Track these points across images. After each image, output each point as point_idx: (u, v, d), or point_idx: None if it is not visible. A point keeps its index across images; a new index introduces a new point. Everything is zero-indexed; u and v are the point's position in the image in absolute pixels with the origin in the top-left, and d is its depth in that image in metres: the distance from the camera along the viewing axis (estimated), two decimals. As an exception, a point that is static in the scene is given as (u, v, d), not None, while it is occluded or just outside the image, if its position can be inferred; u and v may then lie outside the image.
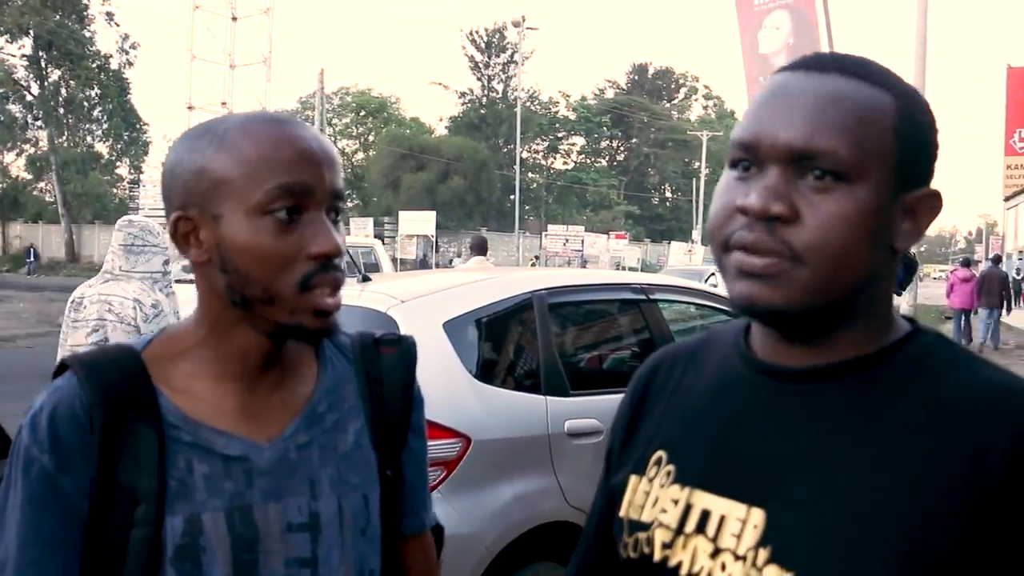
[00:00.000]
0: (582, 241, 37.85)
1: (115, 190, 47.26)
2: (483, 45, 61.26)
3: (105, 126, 41.61)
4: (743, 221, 0.88)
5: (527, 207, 55.88)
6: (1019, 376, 0.89)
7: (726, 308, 4.79)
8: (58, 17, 37.30)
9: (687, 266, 26.32)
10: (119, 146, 43.18)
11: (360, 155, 58.81)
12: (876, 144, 0.86)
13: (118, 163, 44.69)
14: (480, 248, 8.89)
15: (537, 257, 38.55)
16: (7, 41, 37.02)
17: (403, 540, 1.25)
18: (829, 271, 0.86)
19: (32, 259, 37.14)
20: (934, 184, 0.93)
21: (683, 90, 74.05)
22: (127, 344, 1.15)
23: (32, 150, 39.11)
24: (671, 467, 0.98)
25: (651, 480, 1.00)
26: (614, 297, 4.39)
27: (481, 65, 61.90)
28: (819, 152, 0.85)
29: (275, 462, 1.11)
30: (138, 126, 44.04)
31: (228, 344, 1.11)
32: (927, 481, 0.82)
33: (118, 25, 56.70)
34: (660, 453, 1.01)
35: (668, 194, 72.42)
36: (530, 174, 61.85)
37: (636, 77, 71.38)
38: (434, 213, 31.84)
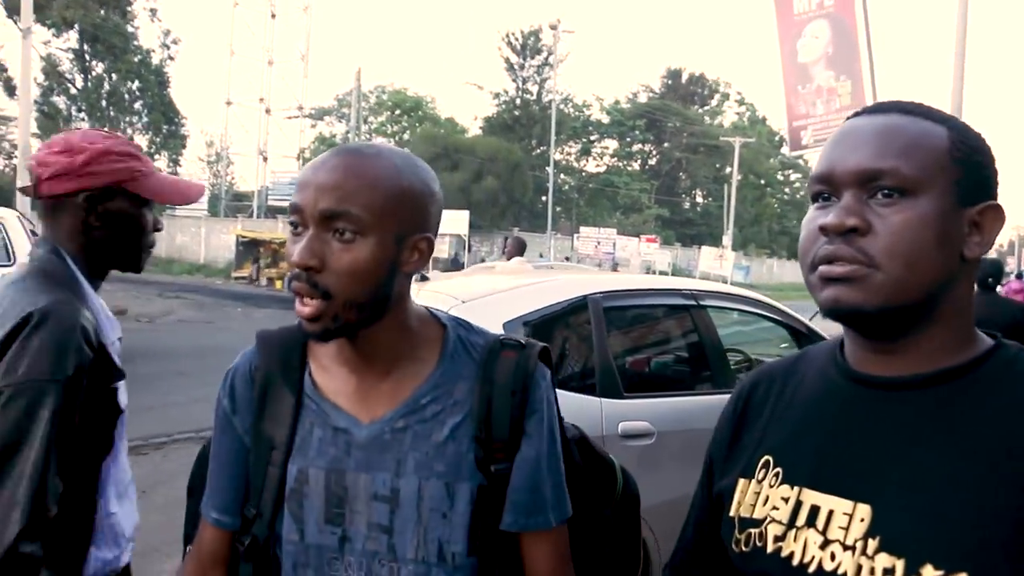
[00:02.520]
0: (613, 244, 37.85)
1: (152, 182, 47.68)
2: (519, 47, 61.24)
3: (145, 119, 42.12)
4: (824, 240, 1.04)
5: (559, 209, 55.86)
6: None
7: (772, 316, 4.89)
8: (103, 12, 37.79)
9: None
10: (158, 139, 43.67)
11: (395, 153, 58.89)
12: (933, 163, 1.01)
13: (157, 155, 45.18)
14: (520, 249, 9.22)
15: (567, 258, 38.59)
16: (53, 35, 37.56)
17: (515, 535, 1.33)
18: (902, 273, 1.00)
19: None
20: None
21: (716, 96, 73.64)
22: None
23: (74, 141, 39.59)
24: (779, 469, 1.11)
25: (760, 482, 1.13)
26: (666, 302, 4.50)
27: (516, 67, 61.87)
28: (884, 171, 1.01)
29: (370, 439, 1.31)
30: (177, 120, 44.56)
31: None
32: (1015, 471, 0.94)
33: (160, 21, 57.38)
34: (767, 457, 1.14)
35: (699, 199, 72.03)
36: (562, 176, 61.77)
37: (670, 82, 71.09)
38: (467, 212, 31.85)
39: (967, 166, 1.03)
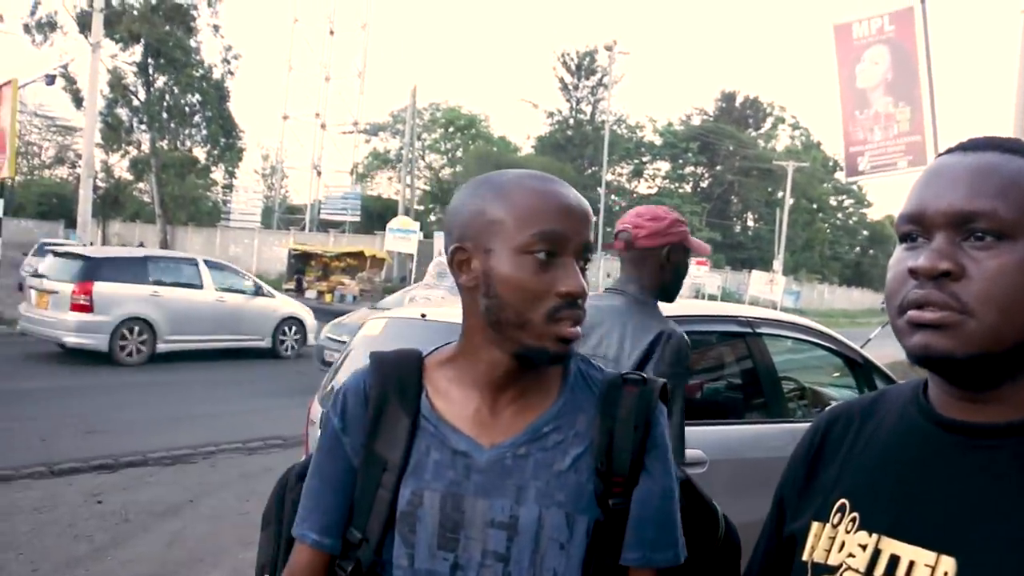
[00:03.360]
0: (663, 266, 37.57)
1: (209, 194, 48.72)
2: (574, 67, 61.55)
3: (204, 132, 42.85)
4: (914, 283, 0.98)
5: (609, 229, 55.72)
6: None
7: (826, 344, 4.79)
8: (168, 27, 38.59)
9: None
10: (215, 152, 44.37)
11: (447, 170, 59.44)
12: None
13: (213, 168, 45.93)
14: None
15: (608, 275, 38.37)
16: (120, 49, 38.37)
17: (627, 571, 1.31)
18: (997, 321, 0.94)
19: None
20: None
21: (770, 119, 73.15)
22: (416, 349, 1.41)
23: (135, 152, 40.31)
24: (855, 514, 1.06)
25: (835, 526, 1.08)
26: (721, 329, 4.43)
27: (571, 87, 62.17)
28: (979, 213, 0.95)
29: (491, 464, 1.29)
30: (234, 133, 45.26)
31: (478, 359, 1.32)
32: None
33: (223, 36, 58.44)
34: (843, 500, 1.08)
35: (750, 223, 71.48)
36: (614, 197, 61.70)
37: (724, 105, 70.78)
38: (517, 231, 31.83)
39: None
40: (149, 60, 39.41)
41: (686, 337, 2.67)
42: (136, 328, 13.47)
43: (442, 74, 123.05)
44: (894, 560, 0.99)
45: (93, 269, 13.21)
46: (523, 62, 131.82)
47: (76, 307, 12.92)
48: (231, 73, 43.65)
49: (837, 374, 5.70)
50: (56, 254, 14.18)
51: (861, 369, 4.96)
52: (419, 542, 1.28)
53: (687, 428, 3.79)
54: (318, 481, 1.37)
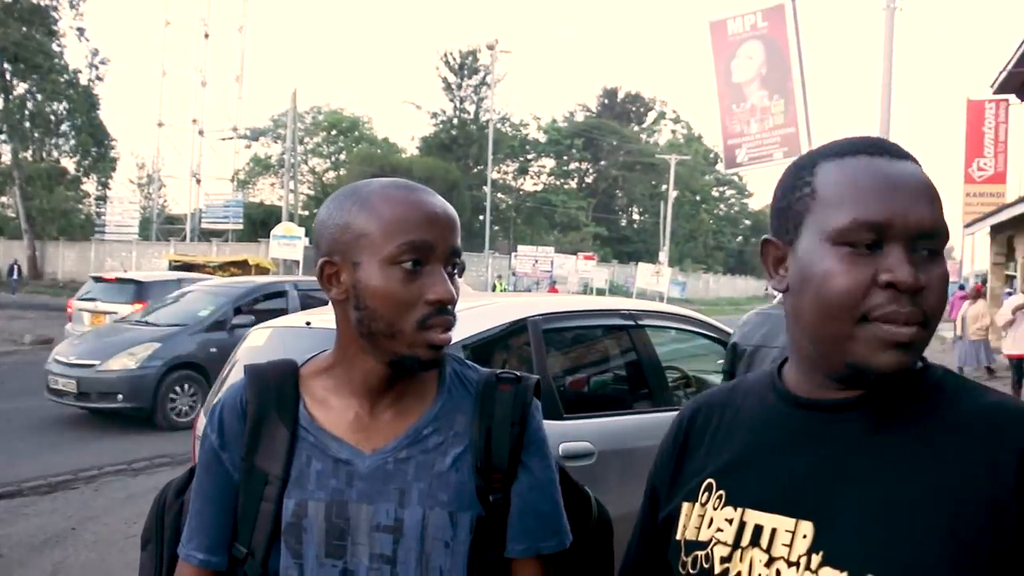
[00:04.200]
0: (551, 262, 38.04)
1: (81, 206, 46.80)
2: (456, 67, 61.55)
3: (72, 141, 41.19)
4: (887, 295, 0.99)
5: (496, 228, 56.01)
6: (1016, 398, 1.06)
7: (708, 333, 4.93)
8: (25, 29, 36.87)
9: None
10: (86, 162, 42.74)
11: (331, 174, 58.68)
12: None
13: (85, 179, 44.22)
14: (460, 271, 9.06)
15: (500, 276, 38.61)
16: (-30, 53, 36.48)
17: (511, 562, 1.36)
18: (934, 329, 1.03)
19: (16, 276, 35.16)
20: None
21: (652, 114, 74.81)
22: (291, 360, 1.41)
23: (-6, 164, 38.46)
24: (722, 492, 1.12)
25: (703, 505, 1.14)
26: (604, 323, 4.51)
27: (454, 86, 62.16)
28: (940, 231, 1.02)
29: (373, 470, 1.31)
30: (106, 142, 43.65)
31: (354, 368, 1.34)
32: (950, 486, 0.96)
33: (88, 40, 56.26)
34: (710, 481, 1.15)
35: (636, 216, 72.98)
36: (500, 195, 62.04)
37: (606, 100, 72.04)
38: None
39: None
40: (6, 65, 37.60)
41: None
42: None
43: (323, 76, 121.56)
44: (758, 529, 1.06)
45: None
46: (405, 63, 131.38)
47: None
48: (99, 79, 42.18)
49: (721, 361, 5.87)
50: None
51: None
52: (306, 552, 1.29)
53: (574, 422, 3.87)
54: (200, 500, 1.37)
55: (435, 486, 1.31)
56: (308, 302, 9.97)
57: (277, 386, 1.37)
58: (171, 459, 8.44)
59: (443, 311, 1.28)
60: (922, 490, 0.97)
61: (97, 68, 41.83)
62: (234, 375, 4.29)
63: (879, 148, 1.06)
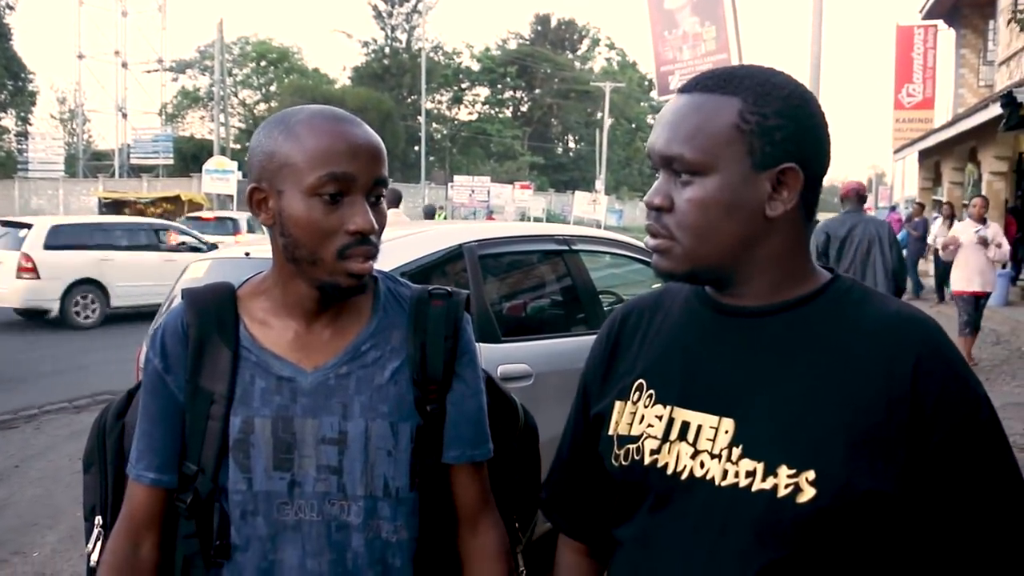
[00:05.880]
0: (488, 192, 37.92)
1: (1, 142, 45.15)
2: (386, -6, 60.16)
3: (-14, 76, 39.54)
4: (648, 213, 1.20)
5: (432, 158, 55.53)
6: (917, 307, 1.19)
7: (642, 257, 5.08)
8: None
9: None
10: (2, 96, 41.08)
11: (262, 105, 57.30)
12: (716, 143, 1.13)
13: (2, 114, 42.55)
14: (395, 201, 9.06)
15: (442, 207, 38.43)
16: None
17: (449, 468, 1.45)
18: (694, 244, 1.16)
19: None
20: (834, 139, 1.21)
21: (586, 41, 74.18)
22: (228, 282, 1.45)
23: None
24: (652, 391, 1.24)
25: (635, 403, 1.25)
26: (540, 248, 4.62)
27: (385, 15, 60.88)
28: (673, 157, 1.15)
29: (316, 386, 1.38)
30: (23, 75, 41.95)
31: (289, 290, 1.40)
32: (854, 385, 1.10)
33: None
34: (640, 380, 1.26)
35: (572, 144, 72.84)
36: (435, 125, 61.35)
37: (539, 28, 71.16)
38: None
39: (759, 134, 1.13)
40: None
41: None
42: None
43: (249, 6, 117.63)
44: (685, 425, 1.18)
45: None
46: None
47: None
48: (11, 7, 40.29)
49: (657, 285, 6.04)
50: None
51: (673, 278, 5.27)
52: (255, 466, 1.36)
53: (512, 345, 4.00)
54: (147, 421, 1.42)
55: (376, 399, 1.38)
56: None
57: (216, 308, 1.41)
58: (113, 395, 8.38)
59: (364, 241, 1.32)
60: (828, 389, 1.10)
61: (7, -4, 39.95)
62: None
63: (681, 87, 1.22)
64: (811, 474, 1.07)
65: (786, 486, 1.08)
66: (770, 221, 1.16)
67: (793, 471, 1.08)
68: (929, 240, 16.45)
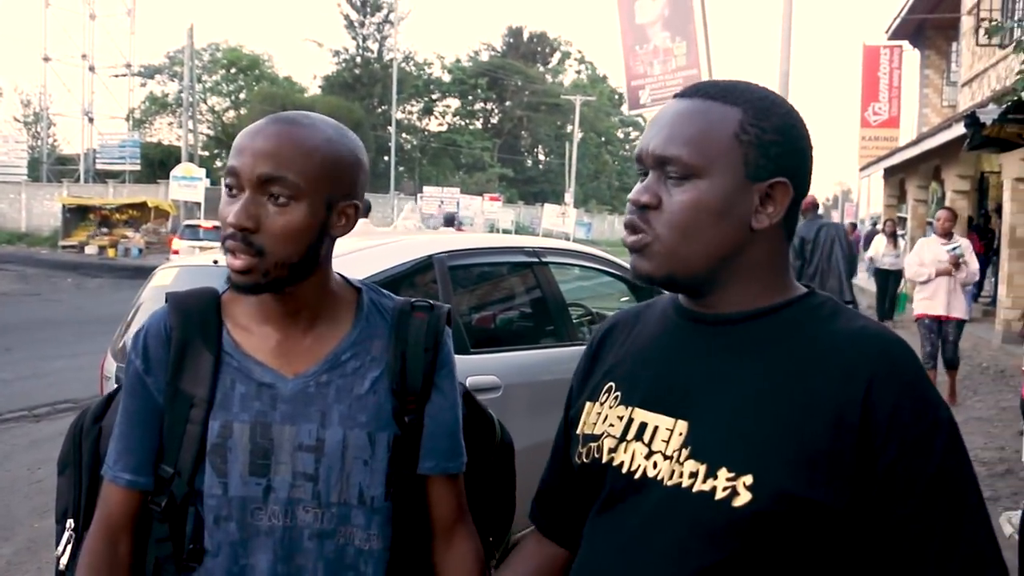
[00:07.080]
0: (457, 203, 37.95)
1: (-36, 145, 44.40)
2: (358, 3, 60.09)
3: (-49, 77, 38.89)
4: (631, 209, 1.20)
5: (402, 169, 55.47)
6: (883, 325, 1.20)
7: (612, 271, 5.10)
8: None
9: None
10: (-35, 99, 40.43)
11: (232, 113, 56.90)
12: (716, 149, 1.14)
13: (-34, 117, 41.86)
14: (364, 211, 9.06)
15: (417, 212, 38.32)
16: None
17: (425, 479, 1.46)
18: (677, 244, 1.16)
19: None
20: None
21: (557, 55, 74.50)
22: (213, 287, 1.46)
23: None
24: (618, 393, 1.26)
25: (602, 404, 1.28)
26: (509, 260, 4.62)
27: (356, 24, 60.74)
28: (670, 158, 1.16)
29: (295, 393, 1.39)
30: (-12, 78, 41.30)
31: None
32: (806, 396, 1.10)
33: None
34: (610, 383, 1.29)
35: (541, 157, 73.06)
36: (405, 135, 61.27)
37: (511, 40, 71.40)
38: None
39: (756, 146, 1.15)
40: None
41: None
42: None
43: (220, 12, 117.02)
44: (643, 426, 1.20)
45: None
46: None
47: None
48: (-22, 11, 39.67)
49: (626, 299, 6.06)
50: None
51: (644, 293, 5.30)
52: (231, 471, 1.36)
53: (481, 356, 3.98)
54: (125, 423, 1.42)
55: (354, 408, 1.39)
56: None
57: (200, 312, 1.42)
58: (75, 404, 8.29)
59: (238, 237, 1.31)
60: (779, 397, 1.11)
61: (-26, -1, 39.41)
62: (141, 314, 4.26)
63: (678, 93, 1.23)
64: (749, 478, 1.08)
65: (724, 488, 1.09)
66: (754, 232, 1.17)
67: (732, 474, 1.09)
68: (867, 254, 16.54)
